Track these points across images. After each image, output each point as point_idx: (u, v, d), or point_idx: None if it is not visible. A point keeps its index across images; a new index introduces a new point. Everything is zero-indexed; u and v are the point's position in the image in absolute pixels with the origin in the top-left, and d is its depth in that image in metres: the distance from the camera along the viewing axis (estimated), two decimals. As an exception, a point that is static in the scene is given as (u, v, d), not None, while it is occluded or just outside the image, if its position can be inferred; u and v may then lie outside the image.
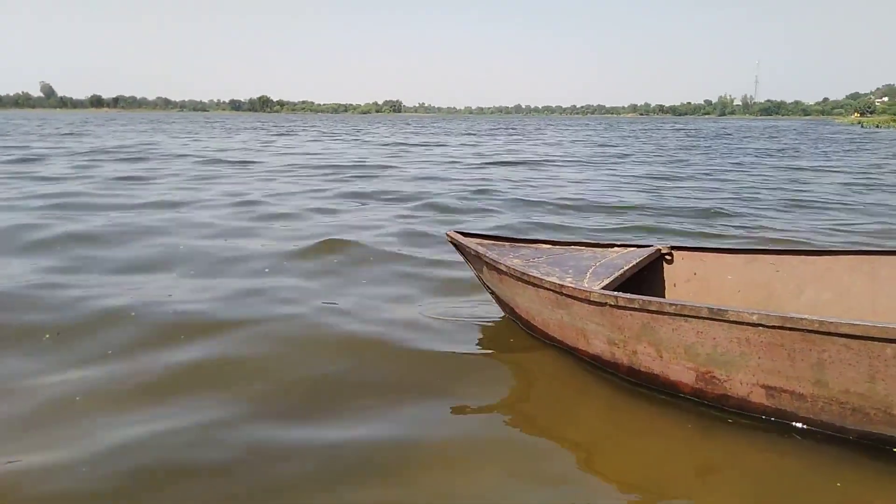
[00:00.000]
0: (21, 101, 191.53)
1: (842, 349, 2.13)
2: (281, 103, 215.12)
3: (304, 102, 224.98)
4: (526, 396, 2.79)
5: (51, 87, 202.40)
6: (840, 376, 2.17)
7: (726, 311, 2.33)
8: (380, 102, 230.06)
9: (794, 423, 2.36)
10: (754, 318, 2.27)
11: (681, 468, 2.21)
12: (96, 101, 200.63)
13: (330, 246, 5.31)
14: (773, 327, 2.24)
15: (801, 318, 2.17)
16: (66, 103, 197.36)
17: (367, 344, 3.26)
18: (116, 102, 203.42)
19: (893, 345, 2.02)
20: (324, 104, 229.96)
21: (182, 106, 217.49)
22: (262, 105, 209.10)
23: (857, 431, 2.23)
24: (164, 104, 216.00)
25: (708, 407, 2.53)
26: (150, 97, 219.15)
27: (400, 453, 2.27)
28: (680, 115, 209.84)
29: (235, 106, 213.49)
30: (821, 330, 2.14)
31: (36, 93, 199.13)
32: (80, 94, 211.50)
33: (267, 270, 4.66)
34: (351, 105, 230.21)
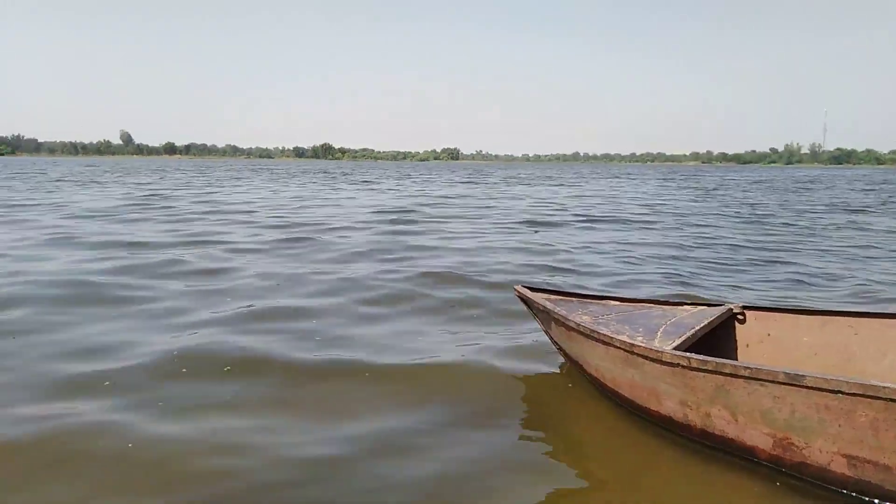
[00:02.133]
0: (102, 149, 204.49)
1: (929, 421, 2.09)
2: (342, 150, 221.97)
3: (364, 150, 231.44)
4: (594, 456, 2.79)
5: (129, 135, 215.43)
6: (931, 449, 2.12)
7: (804, 376, 2.31)
8: (438, 150, 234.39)
9: (876, 499, 2.29)
10: (833, 385, 2.25)
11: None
12: (170, 149, 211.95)
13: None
14: (854, 395, 2.21)
15: (884, 387, 2.15)
16: (142, 150, 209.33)
17: (438, 396, 3.34)
18: (188, 150, 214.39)
19: None
20: (383, 151, 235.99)
21: (249, 153, 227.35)
22: (325, 152, 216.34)
23: (949, 508, 2.16)
24: (233, 151, 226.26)
25: (785, 475, 2.49)
26: (220, 144, 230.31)
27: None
28: (744, 163, 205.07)
29: (299, 153, 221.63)
30: None
31: (116, 140, 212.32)
32: (155, 141, 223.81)
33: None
34: (409, 153, 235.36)
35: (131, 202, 15.92)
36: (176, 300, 5.28)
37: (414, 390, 3.41)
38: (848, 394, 2.23)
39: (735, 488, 2.46)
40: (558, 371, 3.72)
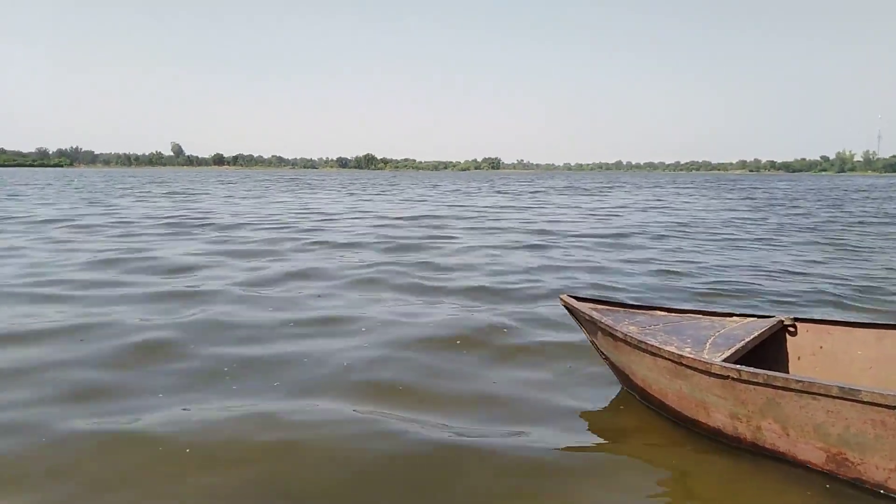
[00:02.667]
0: (154, 160, 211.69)
1: None
2: (385, 160, 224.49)
3: (406, 160, 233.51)
4: (640, 467, 2.78)
5: (180, 147, 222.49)
6: None
7: (859, 391, 2.28)
8: (479, 160, 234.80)
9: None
10: (890, 400, 2.21)
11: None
12: (218, 160, 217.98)
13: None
14: (912, 411, 2.18)
15: None
16: (192, 161, 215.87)
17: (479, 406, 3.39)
18: (236, 160, 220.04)
19: None
20: (424, 161, 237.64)
21: (294, 164, 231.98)
22: (368, 162, 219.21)
23: None
24: (278, 162, 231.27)
25: (839, 483, 2.44)
26: (266, 155, 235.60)
27: None
28: (794, 171, 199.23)
29: (342, 163, 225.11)
30: None
31: (167, 152, 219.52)
32: (205, 152, 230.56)
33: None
34: (451, 163, 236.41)
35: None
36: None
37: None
38: None
39: (783, 498, 2.43)
40: (605, 381, 3.72)
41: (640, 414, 3.28)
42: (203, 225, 12.95)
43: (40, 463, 2.69)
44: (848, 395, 2.31)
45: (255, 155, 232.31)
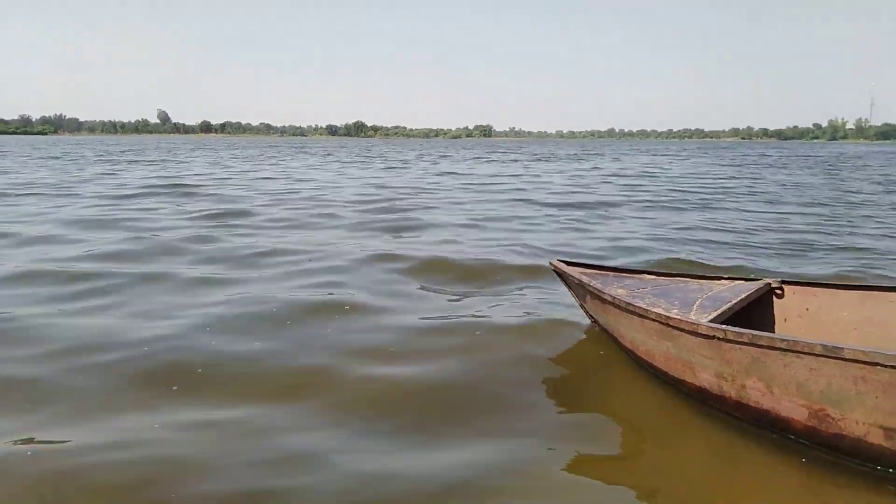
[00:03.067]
0: (140, 128, 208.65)
1: (969, 393, 2.09)
2: (375, 128, 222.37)
3: (396, 128, 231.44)
4: (628, 426, 2.84)
5: (166, 114, 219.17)
6: (969, 421, 2.12)
7: (841, 348, 2.32)
8: (470, 127, 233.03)
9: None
10: (871, 357, 2.25)
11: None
12: (206, 127, 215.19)
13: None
14: (893, 367, 2.22)
15: None
16: (179, 129, 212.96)
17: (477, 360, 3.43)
18: (223, 128, 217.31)
19: None
20: (416, 129, 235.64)
21: (283, 131, 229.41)
22: (357, 130, 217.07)
23: None
24: (266, 129, 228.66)
25: (819, 449, 2.50)
26: (254, 123, 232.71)
27: (498, 478, 2.38)
28: (785, 139, 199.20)
29: (332, 131, 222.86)
30: None
31: (153, 120, 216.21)
32: (191, 120, 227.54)
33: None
34: (441, 130, 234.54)
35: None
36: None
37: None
38: (886, 366, 2.23)
39: (766, 462, 2.49)
40: (592, 344, 3.77)
41: (627, 375, 3.33)
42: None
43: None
44: (831, 353, 2.35)
45: (244, 122, 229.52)
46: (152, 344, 3.60)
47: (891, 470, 2.33)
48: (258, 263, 5.92)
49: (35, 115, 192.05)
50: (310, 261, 6.02)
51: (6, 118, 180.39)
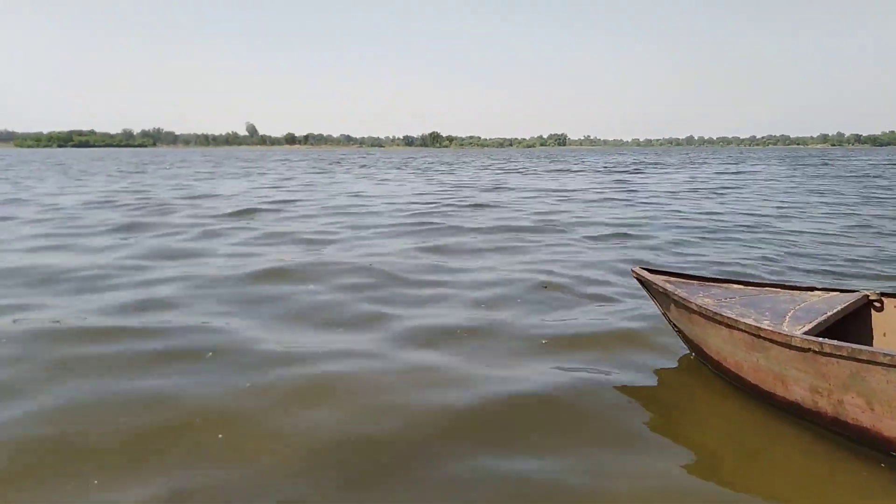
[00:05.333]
0: (231, 140, 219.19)
1: None
2: (450, 138, 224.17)
3: (471, 137, 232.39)
4: (714, 439, 2.76)
5: (254, 127, 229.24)
6: None
7: (952, 365, 2.19)
8: (545, 136, 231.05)
9: None
10: None
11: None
12: (290, 139, 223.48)
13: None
14: None
15: None
16: (265, 141, 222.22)
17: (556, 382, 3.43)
18: (307, 139, 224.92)
19: None
20: (490, 139, 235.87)
21: (361, 142, 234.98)
22: (433, 140, 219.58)
23: None
24: (346, 140, 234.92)
25: None
26: (335, 134, 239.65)
27: (583, 491, 2.36)
28: (880, 145, 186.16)
29: (408, 142, 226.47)
30: None
31: (242, 132, 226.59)
32: (277, 132, 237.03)
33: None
34: (516, 139, 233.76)
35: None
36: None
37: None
38: None
39: (860, 478, 2.39)
40: (679, 353, 3.69)
41: (713, 386, 3.24)
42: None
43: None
44: (939, 370, 2.22)
45: (325, 134, 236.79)
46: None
47: None
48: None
49: (136, 129, 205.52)
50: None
51: (111, 132, 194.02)
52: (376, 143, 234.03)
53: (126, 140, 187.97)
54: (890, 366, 2.36)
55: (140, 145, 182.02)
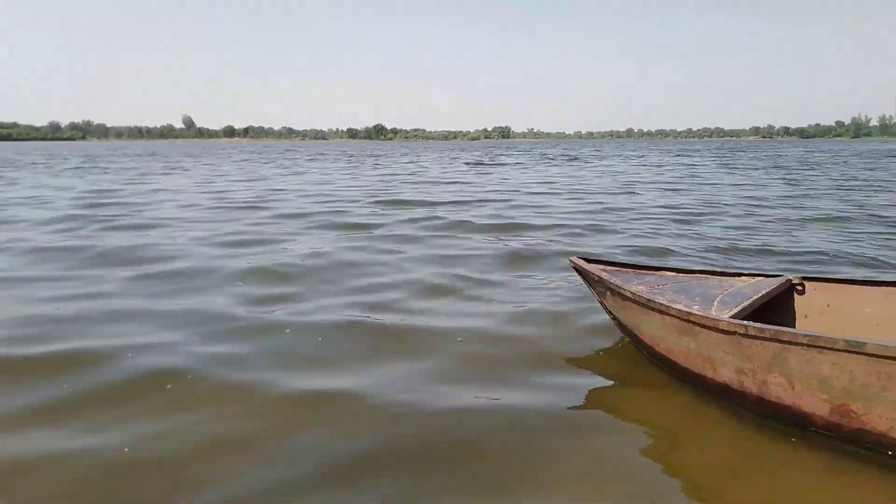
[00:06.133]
0: (166, 133, 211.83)
1: None
2: (395, 131, 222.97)
3: (416, 130, 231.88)
4: (646, 422, 2.83)
5: (191, 119, 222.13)
6: None
7: (864, 343, 2.30)
8: (489, 129, 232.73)
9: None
10: (895, 352, 2.24)
11: None
12: (229, 132, 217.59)
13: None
14: (918, 363, 2.20)
15: None
16: (203, 133, 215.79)
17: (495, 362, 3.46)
18: (246, 132, 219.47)
19: None
20: (435, 132, 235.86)
21: (304, 135, 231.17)
22: (377, 133, 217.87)
23: None
24: (288, 133, 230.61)
25: (840, 442, 2.49)
26: (276, 127, 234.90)
27: (520, 476, 2.40)
28: (807, 137, 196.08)
29: (352, 134, 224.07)
30: None
31: (178, 125, 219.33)
32: (215, 125, 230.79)
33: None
34: (461, 132, 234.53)
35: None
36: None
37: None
38: None
39: (789, 457, 2.48)
40: (612, 341, 3.77)
41: (647, 371, 3.32)
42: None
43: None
44: (854, 348, 2.33)
45: (266, 126, 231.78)
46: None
47: None
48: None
49: (64, 122, 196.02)
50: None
51: (36, 124, 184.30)
52: (319, 135, 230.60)
53: (53, 133, 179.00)
54: (809, 346, 2.47)
55: (69, 138, 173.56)
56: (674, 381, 3.17)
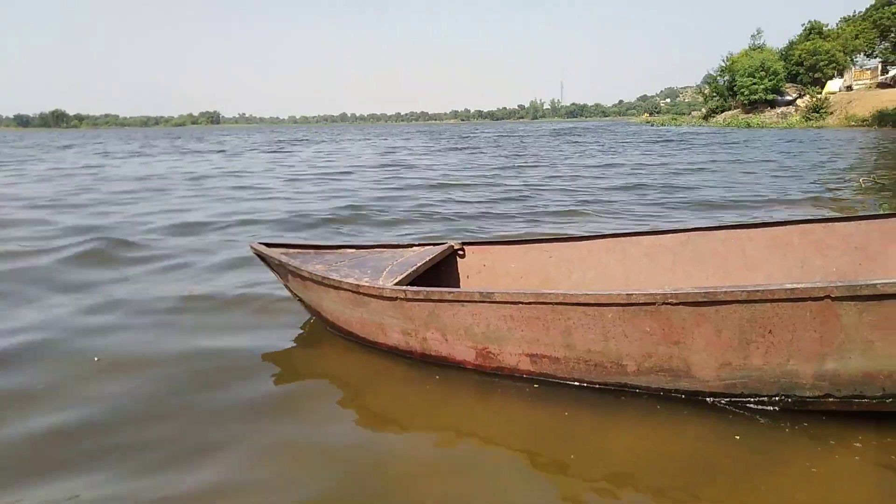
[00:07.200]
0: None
1: (581, 316, 2.58)
2: (79, 117, 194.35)
3: (107, 115, 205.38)
4: (331, 385, 3.04)
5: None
6: (583, 339, 2.62)
7: (493, 293, 2.70)
8: (195, 114, 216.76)
9: (553, 381, 2.78)
10: (514, 298, 2.67)
11: (465, 429, 2.55)
12: None
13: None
14: (530, 303, 2.65)
15: (549, 293, 2.60)
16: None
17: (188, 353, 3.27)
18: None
19: (613, 308, 2.49)
20: (129, 117, 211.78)
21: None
22: (57, 120, 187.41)
23: (599, 382, 2.70)
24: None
25: (487, 376, 2.91)
26: None
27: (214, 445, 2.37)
28: (497, 119, 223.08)
29: (22, 122, 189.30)
30: (565, 301, 2.58)
31: None
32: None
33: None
34: (163, 118, 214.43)
35: None
36: None
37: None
38: (526, 303, 2.65)
39: (445, 392, 2.87)
40: (299, 322, 3.84)
41: (332, 344, 3.47)
42: None
43: None
44: (486, 299, 2.72)
45: None
46: None
47: (537, 380, 2.80)
48: None
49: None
50: None
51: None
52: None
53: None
54: (454, 301, 2.82)
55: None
56: (357, 349, 3.35)
